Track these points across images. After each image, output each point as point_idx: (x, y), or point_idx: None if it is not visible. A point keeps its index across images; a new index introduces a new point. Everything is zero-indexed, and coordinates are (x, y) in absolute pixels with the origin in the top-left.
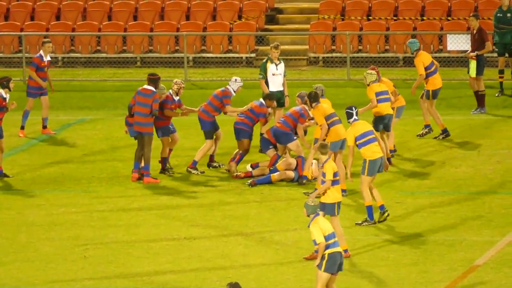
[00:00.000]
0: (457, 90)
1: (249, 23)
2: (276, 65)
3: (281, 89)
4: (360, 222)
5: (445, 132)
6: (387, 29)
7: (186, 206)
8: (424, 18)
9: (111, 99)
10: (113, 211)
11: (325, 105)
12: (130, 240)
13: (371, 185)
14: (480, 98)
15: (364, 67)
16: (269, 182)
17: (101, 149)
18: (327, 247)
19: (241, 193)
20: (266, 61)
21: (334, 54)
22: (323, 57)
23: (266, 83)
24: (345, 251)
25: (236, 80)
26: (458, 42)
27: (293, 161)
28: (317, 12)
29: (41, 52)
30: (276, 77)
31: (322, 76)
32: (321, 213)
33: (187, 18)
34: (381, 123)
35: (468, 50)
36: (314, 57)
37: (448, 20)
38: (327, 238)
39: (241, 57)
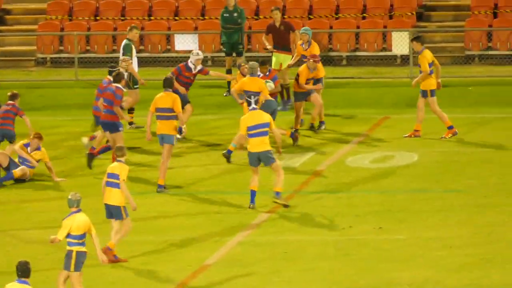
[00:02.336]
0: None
1: None
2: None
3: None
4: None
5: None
6: (115, 29)
7: None
8: (152, 18)
9: None
10: None
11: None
12: None
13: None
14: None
15: (93, 68)
16: (12, 178)
17: None
18: (71, 244)
19: None
20: (130, 42)
21: (62, 55)
22: (51, 58)
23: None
24: (110, 248)
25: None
26: (186, 42)
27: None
28: (44, 12)
29: None
30: (135, 57)
31: (50, 77)
32: None
33: None
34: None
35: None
36: (42, 58)
37: (176, 20)
38: (74, 237)
39: None
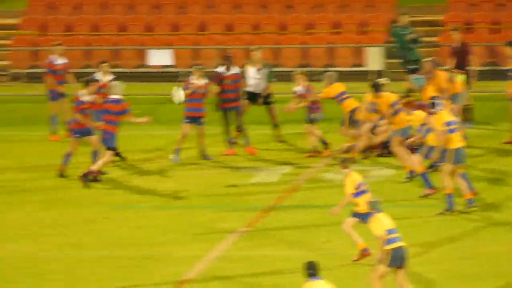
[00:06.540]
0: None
1: None
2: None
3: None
4: (440, 211)
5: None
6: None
7: None
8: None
9: None
10: None
11: (389, 94)
12: None
13: (458, 178)
14: None
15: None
16: None
17: None
18: (388, 241)
19: None
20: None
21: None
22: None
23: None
24: (365, 250)
25: None
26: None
27: None
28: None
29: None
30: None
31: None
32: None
33: None
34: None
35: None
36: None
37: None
38: (388, 232)
39: None
